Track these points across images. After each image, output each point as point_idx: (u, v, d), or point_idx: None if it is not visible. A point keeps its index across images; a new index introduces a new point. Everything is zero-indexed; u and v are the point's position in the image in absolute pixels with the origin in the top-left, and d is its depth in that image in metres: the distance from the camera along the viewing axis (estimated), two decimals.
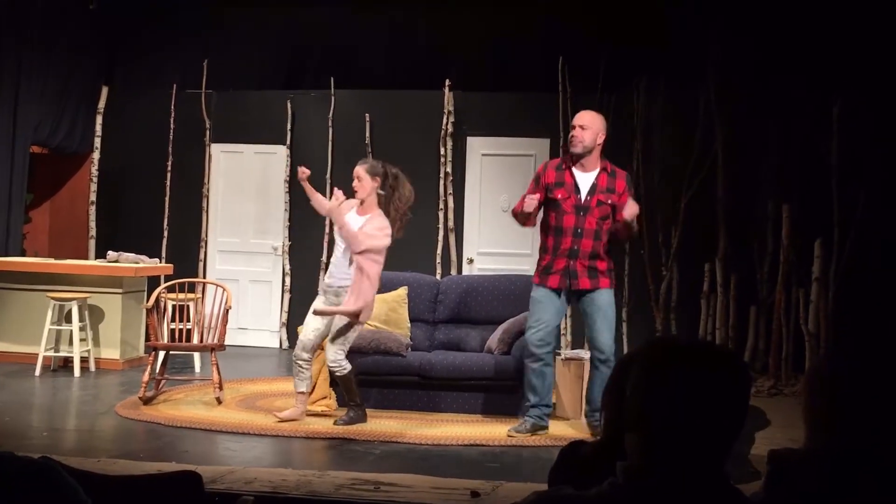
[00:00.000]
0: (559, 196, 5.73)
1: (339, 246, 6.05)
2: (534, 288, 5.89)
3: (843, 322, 8.03)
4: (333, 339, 5.98)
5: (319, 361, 6.46)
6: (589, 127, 5.73)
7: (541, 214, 5.94)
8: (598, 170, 5.77)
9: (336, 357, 5.97)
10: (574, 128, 5.78)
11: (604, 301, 5.78)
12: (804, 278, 8.18)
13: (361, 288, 5.87)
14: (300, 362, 6.09)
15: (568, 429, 6.10)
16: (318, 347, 6.21)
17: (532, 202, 5.67)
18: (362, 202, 6.05)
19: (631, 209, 5.62)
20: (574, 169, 5.77)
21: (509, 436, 5.81)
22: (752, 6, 8.60)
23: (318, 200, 6.30)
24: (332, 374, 6.12)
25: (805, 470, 1.78)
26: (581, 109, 8.88)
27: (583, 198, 5.72)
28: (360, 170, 6.07)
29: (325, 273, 6.26)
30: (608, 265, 5.82)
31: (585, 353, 6.65)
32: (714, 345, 1.60)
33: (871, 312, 8.01)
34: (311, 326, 6.10)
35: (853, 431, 1.78)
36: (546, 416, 5.92)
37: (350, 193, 6.08)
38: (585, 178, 5.75)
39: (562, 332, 9.09)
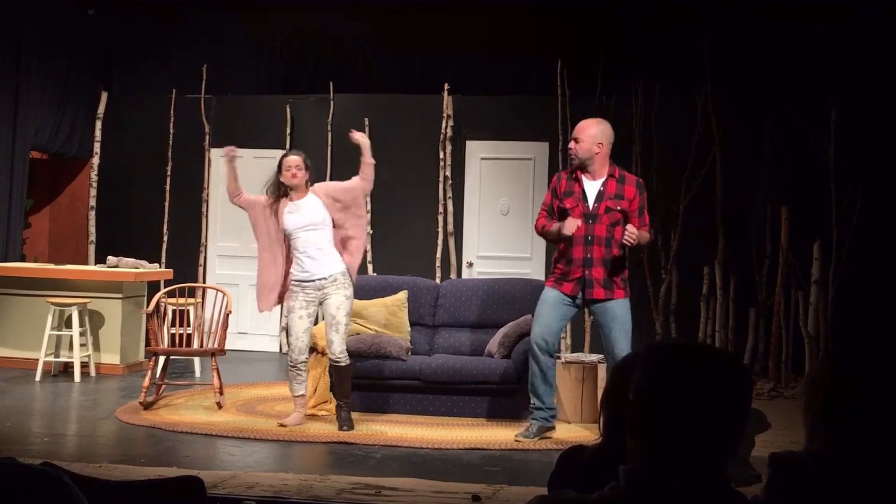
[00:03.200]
0: (568, 205, 5.74)
1: (309, 237, 5.98)
2: (545, 290, 5.90)
3: (842, 324, 8.04)
4: (339, 331, 5.99)
5: (320, 366, 6.46)
6: (582, 139, 5.74)
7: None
8: (605, 177, 5.77)
9: (342, 348, 6.00)
10: (571, 140, 5.84)
11: (619, 311, 5.73)
12: (803, 280, 8.20)
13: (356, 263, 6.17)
14: (299, 366, 6.08)
15: (569, 433, 6.10)
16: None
17: (572, 226, 5.62)
18: (292, 189, 6.05)
19: (629, 236, 5.55)
20: (583, 177, 5.78)
21: (516, 441, 5.80)
22: (749, 11, 8.62)
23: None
24: (334, 366, 6.05)
25: (806, 472, 1.79)
26: (579, 112, 8.97)
27: (591, 206, 5.72)
28: (299, 160, 6.09)
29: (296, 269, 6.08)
30: (623, 274, 5.79)
31: (586, 357, 6.67)
32: (715, 347, 1.61)
33: (869, 314, 8.02)
34: (301, 328, 6.06)
35: (853, 434, 1.79)
36: (552, 417, 5.92)
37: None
38: (593, 186, 5.76)
39: (562, 336, 9.11)
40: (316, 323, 6.36)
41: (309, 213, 6.02)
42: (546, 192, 6.00)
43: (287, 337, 6.22)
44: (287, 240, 6.08)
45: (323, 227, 6.02)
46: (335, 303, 6.00)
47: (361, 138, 6.11)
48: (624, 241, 5.58)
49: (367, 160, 6.08)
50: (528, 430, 5.87)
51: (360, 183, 6.12)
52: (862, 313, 8.05)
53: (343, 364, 6.02)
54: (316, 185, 6.17)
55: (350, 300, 6.05)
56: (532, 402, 5.90)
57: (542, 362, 5.81)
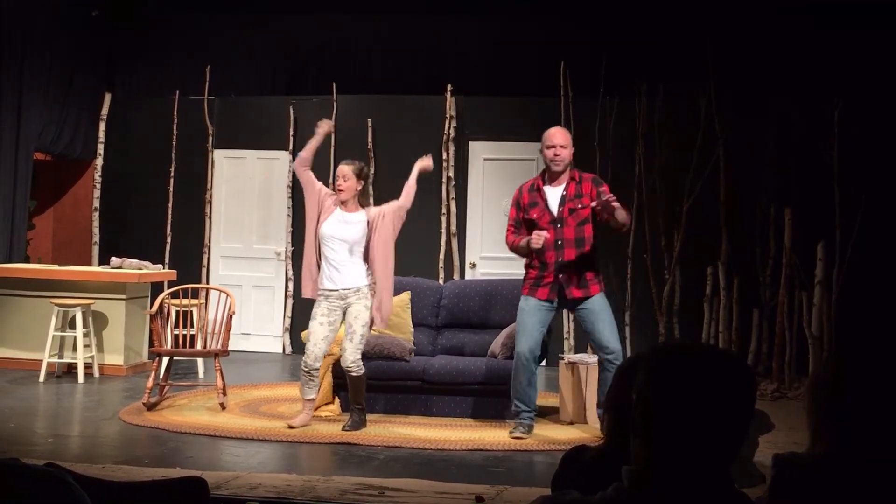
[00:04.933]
0: (534, 216, 5.93)
1: (340, 250, 6.04)
2: (522, 299, 6.04)
3: (845, 325, 8.03)
4: (353, 340, 6.00)
5: (323, 367, 6.47)
6: (567, 145, 5.94)
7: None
8: (566, 181, 5.95)
9: (356, 358, 6.00)
10: (553, 147, 5.92)
11: (597, 305, 5.93)
12: (807, 281, 8.18)
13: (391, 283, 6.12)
14: (312, 372, 6.05)
15: (571, 433, 6.10)
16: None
17: (539, 239, 5.77)
18: (345, 202, 6.10)
19: (601, 199, 5.64)
20: (545, 186, 5.96)
21: (513, 437, 5.87)
22: (753, 11, 8.62)
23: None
24: (347, 374, 6.06)
25: (809, 473, 1.78)
26: (583, 114, 9.04)
27: (555, 211, 5.90)
28: (346, 169, 6.14)
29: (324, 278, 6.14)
30: (596, 272, 5.97)
31: (589, 358, 6.67)
32: (718, 348, 1.61)
33: (873, 315, 8.01)
34: (320, 335, 6.05)
35: (856, 435, 1.78)
36: (534, 416, 6.07)
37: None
38: (555, 192, 5.94)
39: (564, 336, 9.11)
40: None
41: (350, 231, 6.06)
42: (510, 208, 6.10)
43: (307, 342, 6.17)
44: (318, 240, 6.12)
45: (355, 247, 6.06)
46: (354, 312, 6.03)
47: (425, 164, 6.20)
48: (605, 199, 5.59)
49: (412, 182, 6.15)
50: (517, 428, 5.94)
51: (399, 204, 6.11)
52: (865, 314, 8.04)
53: (355, 374, 6.03)
54: (373, 209, 6.15)
55: (369, 311, 6.06)
56: (516, 406, 5.98)
57: (528, 370, 5.92)
